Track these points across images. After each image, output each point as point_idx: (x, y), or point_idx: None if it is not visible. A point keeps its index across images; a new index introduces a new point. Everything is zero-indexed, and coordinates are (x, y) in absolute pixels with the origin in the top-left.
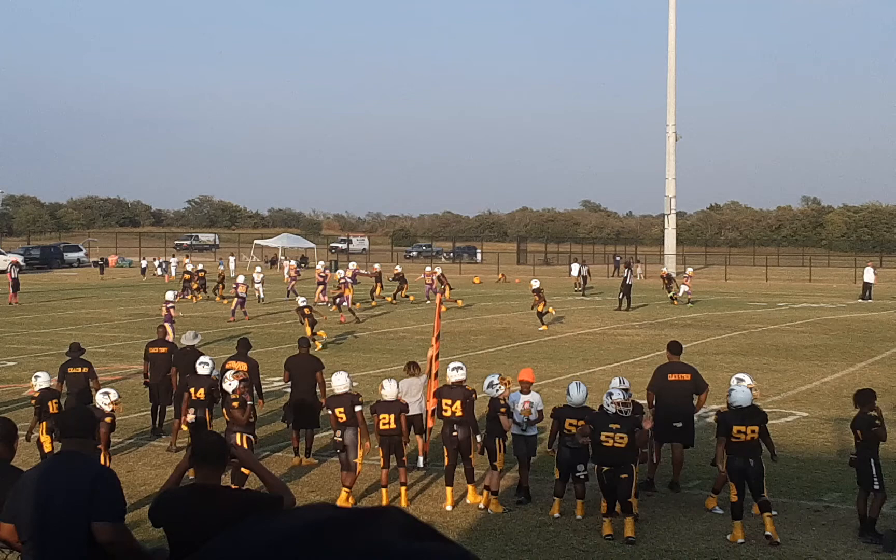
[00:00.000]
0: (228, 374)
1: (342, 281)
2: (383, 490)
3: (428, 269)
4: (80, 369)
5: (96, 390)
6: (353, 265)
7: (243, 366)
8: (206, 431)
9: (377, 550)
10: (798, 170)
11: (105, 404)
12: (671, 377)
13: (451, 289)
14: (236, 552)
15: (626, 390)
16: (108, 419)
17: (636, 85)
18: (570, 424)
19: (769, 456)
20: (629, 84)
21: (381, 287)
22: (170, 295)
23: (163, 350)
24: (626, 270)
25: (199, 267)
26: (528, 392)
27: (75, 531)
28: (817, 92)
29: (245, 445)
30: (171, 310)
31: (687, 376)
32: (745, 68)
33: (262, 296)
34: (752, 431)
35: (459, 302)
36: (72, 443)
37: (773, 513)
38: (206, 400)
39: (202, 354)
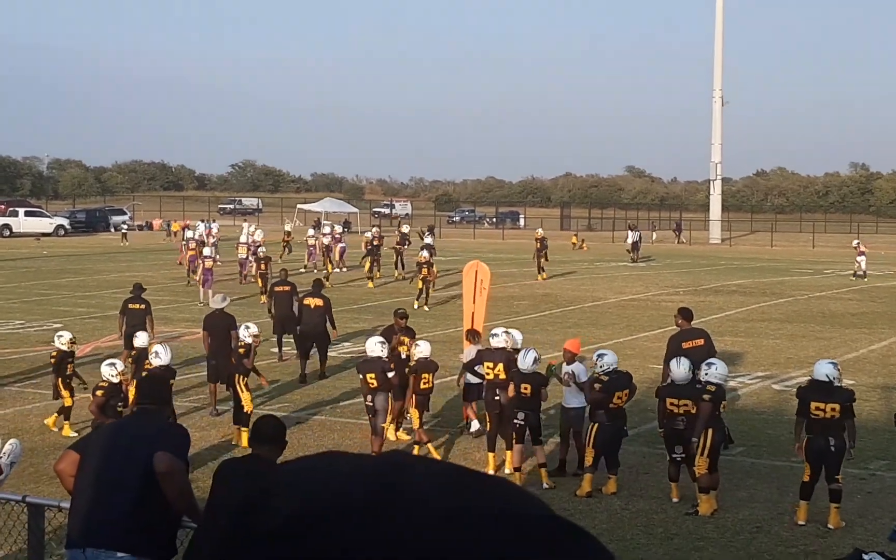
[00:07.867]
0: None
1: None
2: (416, 447)
3: (311, 232)
4: (139, 306)
5: (151, 326)
6: (212, 227)
7: (319, 302)
8: (265, 415)
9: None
10: (846, 135)
11: (112, 376)
12: (686, 345)
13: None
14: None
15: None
16: None
17: (682, 49)
18: (672, 404)
19: (848, 447)
20: (675, 48)
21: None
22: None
23: (286, 289)
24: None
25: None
26: (572, 362)
27: (134, 465)
28: (865, 56)
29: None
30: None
31: (701, 341)
32: (793, 32)
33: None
34: (833, 409)
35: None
36: (146, 408)
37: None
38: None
39: (231, 317)
